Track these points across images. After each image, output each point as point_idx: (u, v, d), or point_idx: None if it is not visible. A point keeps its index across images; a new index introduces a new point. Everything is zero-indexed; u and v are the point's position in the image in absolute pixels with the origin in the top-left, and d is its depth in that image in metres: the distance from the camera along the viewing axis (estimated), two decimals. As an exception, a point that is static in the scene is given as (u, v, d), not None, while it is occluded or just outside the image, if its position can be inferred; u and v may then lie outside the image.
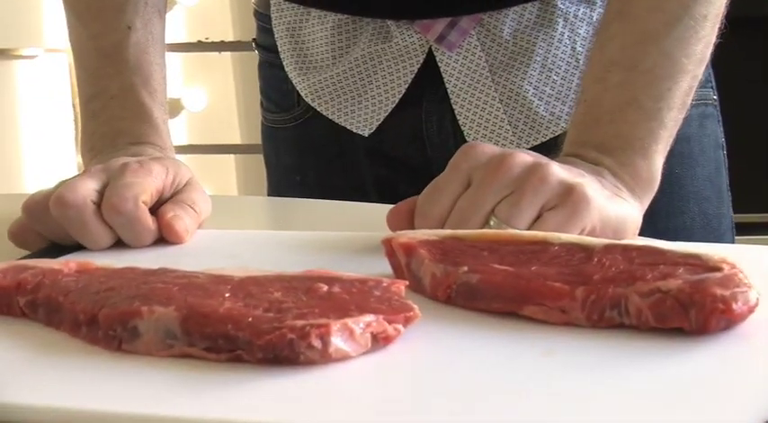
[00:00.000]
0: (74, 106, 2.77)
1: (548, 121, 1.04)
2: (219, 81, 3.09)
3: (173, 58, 2.85)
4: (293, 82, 1.12)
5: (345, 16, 1.07)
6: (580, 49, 1.04)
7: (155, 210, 0.82)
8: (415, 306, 0.57)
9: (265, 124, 1.19)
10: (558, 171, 0.73)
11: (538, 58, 1.04)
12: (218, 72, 3.09)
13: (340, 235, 0.82)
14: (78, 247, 0.80)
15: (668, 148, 0.85)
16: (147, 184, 0.81)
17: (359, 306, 0.56)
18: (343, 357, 0.53)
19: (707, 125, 1.08)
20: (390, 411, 0.48)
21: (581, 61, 1.03)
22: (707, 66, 0.88)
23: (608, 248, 0.63)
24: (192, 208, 0.84)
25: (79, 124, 1.01)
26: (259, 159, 1.25)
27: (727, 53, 0.97)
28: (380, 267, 0.68)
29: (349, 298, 0.57)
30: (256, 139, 1.26)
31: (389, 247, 0.68)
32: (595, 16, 1.04)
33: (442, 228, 0.73)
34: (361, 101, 1.08)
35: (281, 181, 1.19)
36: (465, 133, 1.05)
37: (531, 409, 0.48)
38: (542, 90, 1.04)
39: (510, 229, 0.70)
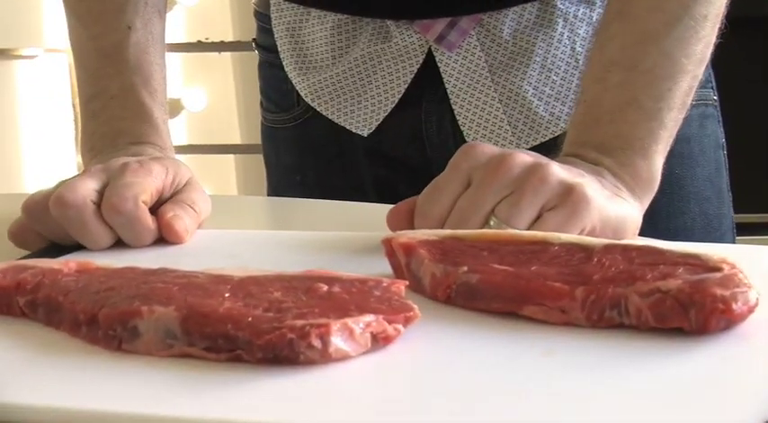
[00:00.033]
0: (74, 106, 2.77)
1: (547, 122, 1.04)
2: (219, 81, 3.09)
3: (173, 59, 2.85)
4: (293, 82, 1.12)
5: (345, 16, 1.07)
6: (580, 49, 1.04)
7: (155, 210, 0.82)
8: (415, 306, 0.57)
9: (265, 124, 1.19)
10: (558, 171, 0.73)
11: (537, 59, 1.04)
12: (217, 72, 3.09)
13: (340, 235, 0.82)
14: (78, 247, 0.80)
15: (668, 149, 0.85)
16: (146, 183, 0.81)
17: (359, 306, 0.56)
18: (343, 357, 0.53)
19: (707, 125, 1.08)
20: (390, 411, 0.48)
21: (581, 61, 1.03)
22: (707, 66, 0.88)
23: (608, 248, 0.63)
24: (191, 208, 0.84)
25: (79, 124, 1.01)
26: (259, 159, 1.25)
27: (728, 53, 0.97)
28: (380, 267, 0.68)
29: (349, 298, 0.57)
30: (256, 139, 1.26)
31: (389, 247, 0.68)
32: (595, 16, 1.04)
33: (442, 228, 0.73)
34: (360, 101, 1.08)
35: (280, 181, 1.19)
36: (464, 133, 1.05)
37: (531, 410, 0.48)
38: (542, 90, 1.04)
39: (510, 229, 0.70)
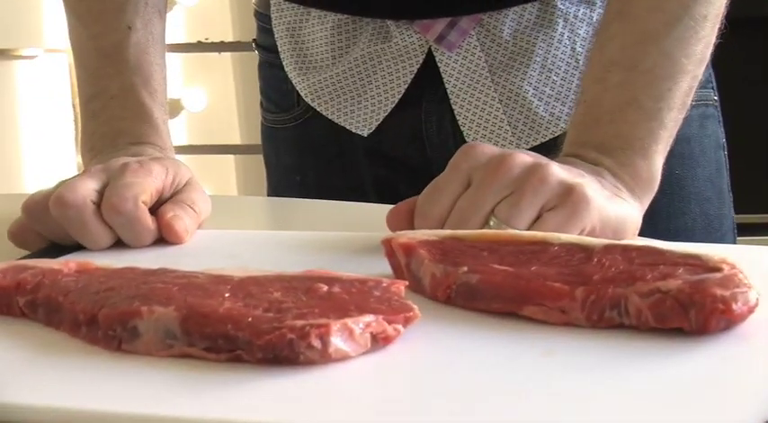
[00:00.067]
0: (74, 106, 2.77)
1: (547, 122, 1.04)
2: (219, 81, 3.09)
3: (172, 59, 2.85)
4: (293, 82, 1.12)
5: (345, 16, 1.07)
6: (580, 49, 1.04)
7: (155, 210, 0.82)
8: (415, 306, 0.57)
9: (265, 124, 1.19)
10: (558, 171, 0.73)
11: (537, 59, 1.04)
12: (217, 72, 3.09)
13: (340, 235, 0.82)
14: (78, 247, 0.80)
15: (668, 149, 0.85)
16: (146, 184, 0.81)
17: (359, 306, 0.56)
18: (343, 357, 0.53)
19: (708, 126, 1.08)
20: (390, 411, 0.48)
21: (581, 62, 1.03)
22: (707, 66, 0.88)
23: (608, 249, 0.63)
24: (191, 208, 0.84)
25: (79, 124, 1.01)
26: (258, 160, 1.25)
27: (728, 53, 0.97)
28: (380, 267, 0.68)
29: (349, 298, 0.57)
30: (256, 139, 1.26)
31: (389, 248, 0.68)
32: (595, 17, 1.04)
33: (442, 228, 0.73)
34: (360, 101, 1.08)
35: (280, 181, 1.19)
36: (464, 133, 1.05)
37: (531, 410, 0.48)
38: (542, 90, 1.04)
39: (510, 230, 0.70)
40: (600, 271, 0.59)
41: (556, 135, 1.03)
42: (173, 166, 0.86)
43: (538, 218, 0.72)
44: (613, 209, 0.76)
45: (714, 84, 1.10)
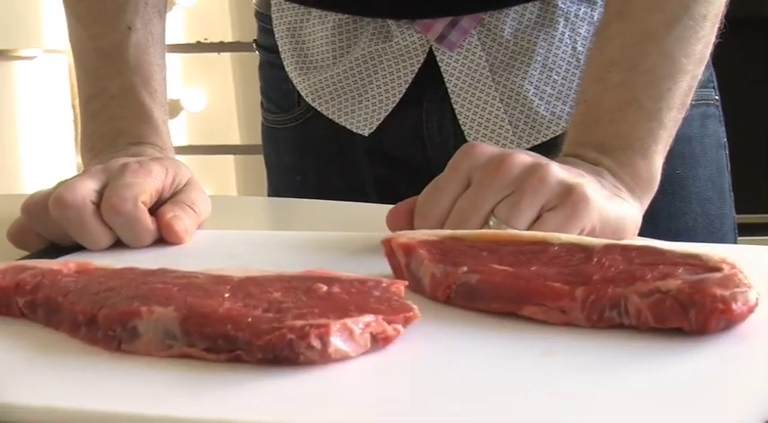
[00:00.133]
0: (73, 107, 2.77)
1: (548, 121, 1.04)
2: (219, 82, 3.09)
3: (172, 59, 2.85)
4: (293, 82, 1.12)
5: (346, 16, 1.07)
6: (581, 48, 1.04)
7: (154, 210, 0.82)
8: (415, 306, 0.57)
9: (266, 125, 1.19)
10: (558, 171, 0.73)
11: (538, 58, 1.04)
12: (217, 73, 3.09)
13: (340, 235, 0.82)
14: (78, 248, 0.80)
15: (668, 149, 0.85)
16: (146, 184, 0.81)
17: (358, 306, 0.56)
18: (343, 357, 0.53)
19: (709, 125, 1.08)
20: (390, 411, 0.48)
21: (582, 61, 1.03)
22: (708, 66, 0.88)
23: (607, 249, 0.63)
24: (191, 208, 0.84)
25: (79, 125, 1.01)
26: (258, 160, 1.25)
27: (728, 53, 0.97)
28: (380, 267, 0.68)
29: (348, 298, 0.57)
30: (255, 139, 1.26)
31: (389, 248, 0.68)
32: (596, 16, 1.04)
33: (442, 228, 0.73)
34: (361, 100, 1.08)
35: (281, 181, 1.19)
36: (465, 133, 1.05)
37: (531, 409, 0.48)
38: (543, 90, 1.04)
39: (509, 230, 0.70)
40: (600, 271, 0.59)
41: (557, 134, 1.03)
42: (172, 166, 0.86)
43: (538, 218, 0.72)
44: (613, 209, 0.76)
45: (715, 83, 1.10)
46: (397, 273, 0.67)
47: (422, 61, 1.05)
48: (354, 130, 1.09)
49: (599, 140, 0.82)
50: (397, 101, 1.06)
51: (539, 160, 0.75)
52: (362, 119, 1.08)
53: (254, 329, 0.53)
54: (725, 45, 0.90)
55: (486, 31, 1.04)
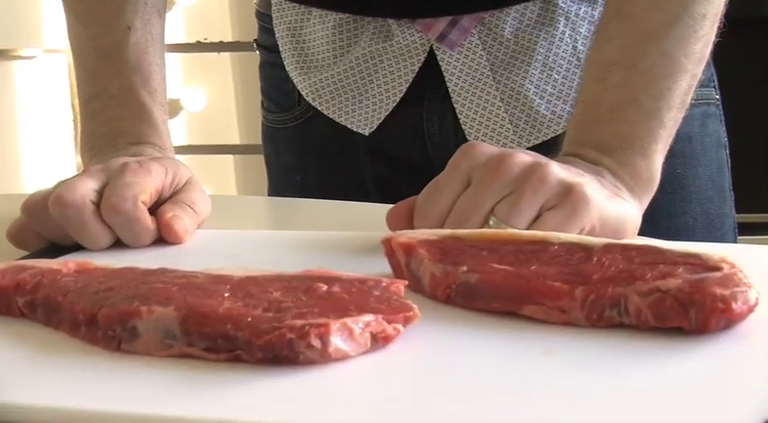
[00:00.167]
0: (73, 107, 2.77)
1: (549, 120, 1.04)
2: (218, 81, 3.09)
3: (172, 59, 2.85)
4: (294, 81, 1.12)
5: (346, 15, 1.07)
6: (581, 47, 1.04)
7: (154, 210, 0.82)
8: (415, 306, 0.57)
9: (266, 124, 1.19)
10: (558, 171, 0.73)
11: (539, 57, 1.04)
12: (217, 72, 3.09)
13: (340, 235, 0.82)
14: (77, 247, 0.80)
15: (668, 148, 0.85)
16: (146, 184, 0.81)
17: (358, 306, 0.56)
18: (343, 357, 0.53)
19: (709, 124, 1.08)
20: (390, 411, 0.48)
21: (582, 60, 1.03)
22: (709, 65, 0.88)
23: (607, 248, 0.63)
24: (191, 208, 0.84)
25: (78, 124, 1.01)
26: (258, 160, 1.25)
27: (728, 53, 0.97)
28: (380, 267, 0.68)
29: (348, 298, 0.57)
30: (255, 139, 1.26)
31: (389, 247, 0.68)
32: (597, 15, 1.04)
33: (442, 227, 0.73)
34: (361, 100, 1.08)
35: (281, 181, 1.19)
36: (466, 132, 1.05)
37: (531, 409, 0.48)
38: (543, 89, 1.04)
39: (509, 229, 0.70)
40: (599, 270, 0.59)
41: (557, 133, 1.03)
42: (172, 165, 0.86)
43: (537, 217, 0.72)
44: (613, 208, 0.76)
45: (716, 82, 1.10)
46: (397, 272, 0.67)
47: (422, 60, 1.05)
48: (355, 130, 1.09)
49: (599, 140, 0.82)
50: (398, 100, 1.06)
51: (538, 160, 0.75)
52: (363, 118, 1.08)
53: (253, 329, 0.53)
54: (725, 45, 0.90)
55: (486, 31, 1.04)
